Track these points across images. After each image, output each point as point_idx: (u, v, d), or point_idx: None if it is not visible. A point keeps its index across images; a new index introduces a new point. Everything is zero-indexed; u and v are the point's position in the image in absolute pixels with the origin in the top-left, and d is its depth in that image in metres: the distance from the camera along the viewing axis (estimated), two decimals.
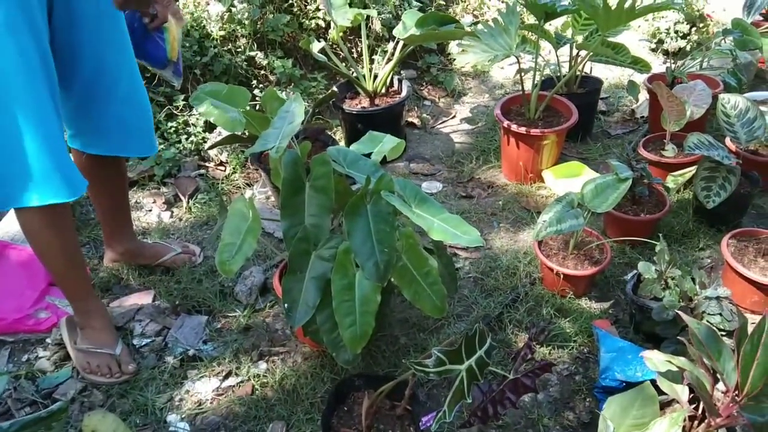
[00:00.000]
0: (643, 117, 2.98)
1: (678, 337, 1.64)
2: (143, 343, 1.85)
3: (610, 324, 1.81)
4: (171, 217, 2.42)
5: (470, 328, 1.82)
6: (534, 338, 1.78)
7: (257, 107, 2.55)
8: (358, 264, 1.43)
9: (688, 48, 3.40)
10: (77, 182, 1.52)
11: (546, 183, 2.48)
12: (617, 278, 2.00)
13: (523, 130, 2.35)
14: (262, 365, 1.78)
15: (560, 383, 1.70)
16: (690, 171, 2.16)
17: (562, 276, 1.86)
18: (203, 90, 1.73)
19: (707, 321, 1.61)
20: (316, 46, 2.52)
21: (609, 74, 3.30)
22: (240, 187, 2.55)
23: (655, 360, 1.41)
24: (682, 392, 1.35)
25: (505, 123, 2.38)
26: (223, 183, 2.57)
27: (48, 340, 1.85)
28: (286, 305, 1.44)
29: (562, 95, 2.57)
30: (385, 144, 1.72)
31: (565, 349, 1.78)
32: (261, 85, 2.81)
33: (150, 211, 2.44)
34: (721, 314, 1.62)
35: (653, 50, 3.52)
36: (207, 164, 2.66)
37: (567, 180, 2.45)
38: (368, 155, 1.68)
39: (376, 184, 1.48)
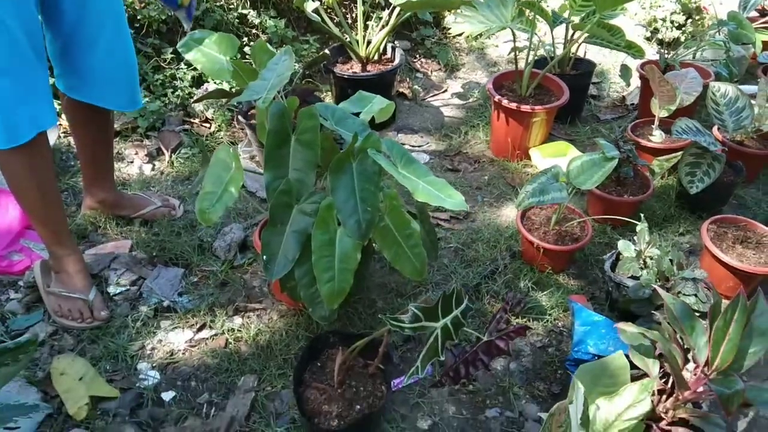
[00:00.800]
0: (633, 104, 2.99)
1: (653, 313, 1.66)
2: (117, 292, 1.83)
3: (586, 300, 1.82)
4: (152, 170, 2.38)
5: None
6: (510, 309, 1.80)
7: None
8: (340, 221, 1.42)
9: (682, 39, 3.40)
10: (17, 131, 1.46)
11: (532, 161, 2.48)
12: (596, 257, 2.02)
13: (513, 105, 2.34)
14: (237, 320, 1.77)
15: (533, 354, 1.71)
16: (676, 156, 2.17)
17: (542, 251, 1.87)
18: (192, 37, 1.70)
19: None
20: (310, 5, 2.48)
21: (602, 59, 3.29)
22: (224, 143, 2.51)
23: (629, 332, 1.42)
24: (653, 366, 1.36)
25: (497, 97, 2.37)
26: (207, 140, 2.54)
27: (20, 283, 1.83)
28: (264, 257, 1.42)
29: (555, 75, 2.56)
30: (375, 104, 1.70)
31: (540, 321, 1.79)
32: (252, 44, 2.76)
33: (131, 162, 2.40)
34: (696, 295, 1.63)
35: (648, 39, 3.51)
36: (192, 120, 2.62)
37: (553, 159, 2.45)
38: (357, 114, 1.66)
39: (362, 142, 1.46)
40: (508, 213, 2.22)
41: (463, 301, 1.26)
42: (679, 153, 2.17)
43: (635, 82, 3.03)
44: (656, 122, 2.37)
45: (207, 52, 1.65)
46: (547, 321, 1.79)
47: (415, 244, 1.50)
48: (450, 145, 2.62)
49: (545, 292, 1.86)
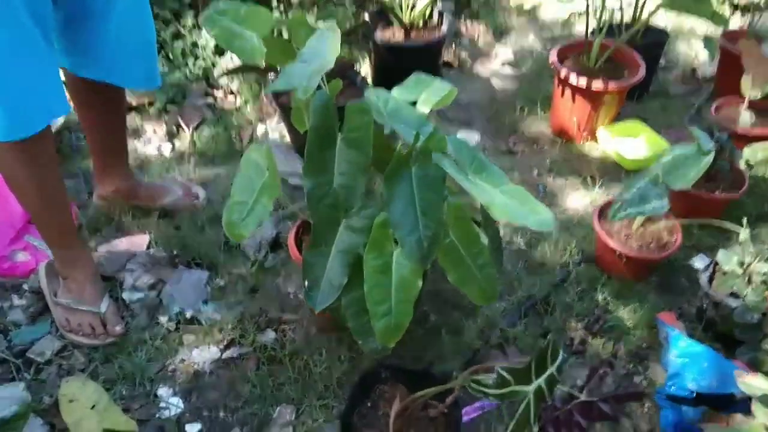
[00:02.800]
0: (704, 77, 2.65)
1: (761, 347, 1.40)
2: (134, 298, 1.61)
3: (675, 318, 1.56)
4: (172, 150, 2.13)
5: (516, 310, 1.58)
6: (588, 327, 1.55)
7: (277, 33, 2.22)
8: (397, 240, 1.17)
9: (762, 3, 3.01)
10: (27, 120, 1.23)
11: (600, 142, 2.18)
12: (681, 263, 1.74)
13: (583, 82, 2.03)
14: (270, 334, 1.54)
15: (616, 384, 1.47)
16: None
17: (624, 259, 1.60)
18: (216, 9, 1.41)
19: None
20: None
21: (668, 24, 2.93)
22: (251, 122, 2.26)
23: (755, 385, 1.16)
24: None
25: (563, 73, 2.06)
26: (232, 115, 2.27)
27: (25, 287, 1.61)
28: (306, 283, 1.18)
29: (626, 45, 2.23)
30: (434, 90, 1.42)
31: (622, 342, 1.54)
32: (281, 6, 2.47)
33: (149, 141, 2.16)
34: None
35: (720, 2, 3.13)
36: (216, 92, 2.36)
37: (624, 140, 2.16)
38: (413, 104, 1.38)
39: (425, 141, 1.19)
40: (576, 206, 1.95)
41: (558, 354, 1.01)
42: None
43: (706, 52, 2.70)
44: (745, 104, 2.05)
45: (235, 29, 1.37)
46: (631, 342, 1.54)
47: (485, 263, 1.24)
48: (503, 122, 2.32)
49: (627, 308, 1.60)
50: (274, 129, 2.23)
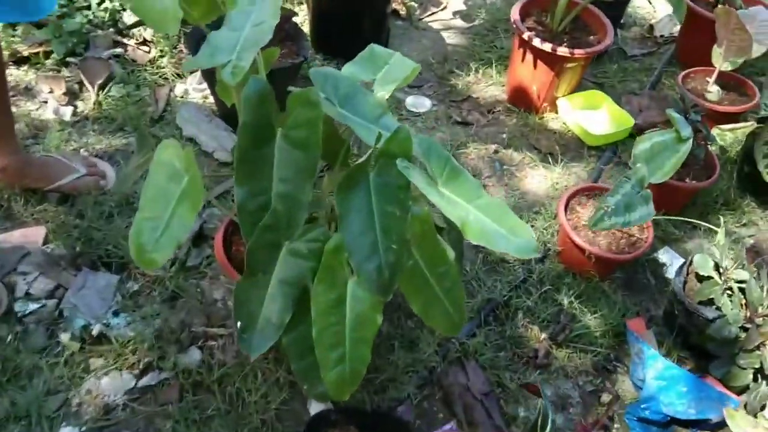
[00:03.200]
0: (663, 36, 2.50)
1: (735, 362, 1.30)
2: (28, 310, 1.34)
3: (645, 326, 1.44)
4: (74, 114, 1.80)
5: (475, 317, 1.42)
6: (553, 337, 1.41)
7: None
8: (353, 267, 0.96)
9: None
10: None
11: (560, 113, 2.01)
12: (646, 256, 1.62)
13: (547, 47, 1.82)
14: (195, 354, 1.32)
15: (582, 401, 1.35)
16: (745, 127, 1.74)
17: (593, 258, 1.46)
18: None
19: None
20: None
21: None
22: (169, 79, 1.93)
23: (740, 422, 1.05)
24: None
25: (526, 34, 1.85)
26: (146, 70, 1.94)
27: None
28: (239, 323, 0.96)
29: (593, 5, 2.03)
30: (394, 67, 1.18)
31: (588, 353, 1.41)
32: None
33: (45, 103, 1.81)
34: None
35: None
36: (126, 42, 2.00)
37: (585, 112, 1.99)
38: (369, 85, 1.15)
39: (386, 142, 0.96)
40: (537, 190, 1.78)
41: (548, 423, 0.84)
42: (748, 124, 1.74)
43: (665, 8, 2.54)
44: (715, 75, 1.91)
45: None
46: (598, 353, 1.41)
47: (452, 285, 1.06)
48: (456, 86, 2.10)
49: (594, 314, 1.47)
50: (197, 89, 1.92)
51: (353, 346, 0.95)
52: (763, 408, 1.22)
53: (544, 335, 1.42)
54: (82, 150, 1.68)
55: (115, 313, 1.36)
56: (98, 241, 1.47)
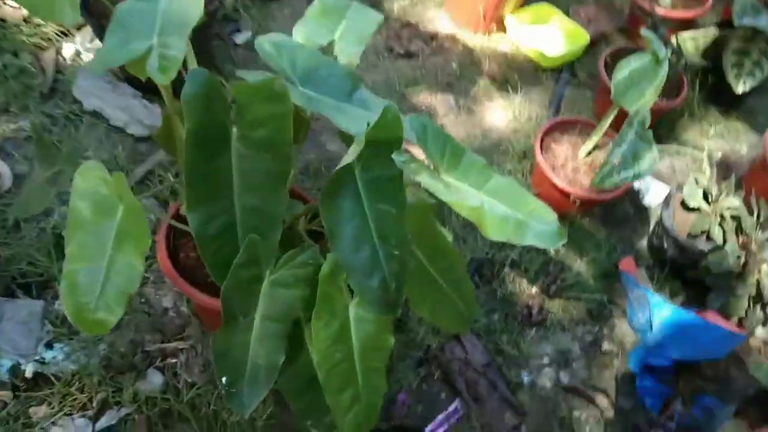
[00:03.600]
0: None
1: (733, 292, 1.26)
2: None
3: (635, 265, 1.37)
4: None
5: None
6: (545, 291, 1.32)
7: None
8: (353, 287, 0.79)
9: None
10: None
11: (507, 32, 1.83)
12: None
13: None
14: (156, 378, 1.13)
15: (584, 354, 1.28)
16: (707, 36, 1.63)
17: (578, 202, 1.35)
18: None
19: None
20: None
21: None
22: (53, 40, 1.59)
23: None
24: None
25: None
26: (21, 32, 1.59)
27: None
28: (223, 379, 0.77)
29: None
30: (353, 22, 0.97)
31: (581, 301, 1.33)
32: None
33: None
34: None
35: None
36: None
37: (535, 28, 1.83)
38: (328, 49, 0.93)
39: (372, 130, 0.77)
40: (498, 125, 1.63)
41: None
42: (711, 29, 1.64)
43: None
44: None
45: None
46: (592, 300, 1.34)
47: (459, 277, 0.92)
48: (390, 12, 1.87)
49: (582, 259, 1.38)
50: (89, 49, 1.60)
51: (366, 380, 0.80)
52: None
53: (535, 289, 1.32)
54: None
55: (49, 345, 1.14)
56: (7, 259, 1.21)
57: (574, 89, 1.74)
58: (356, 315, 0.80)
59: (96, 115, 1.47)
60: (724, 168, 1.60)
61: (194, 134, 0.72)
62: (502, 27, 1.84)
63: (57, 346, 1.14)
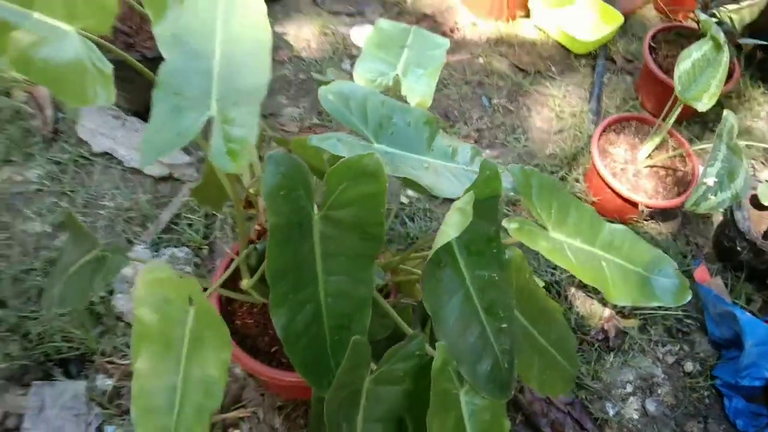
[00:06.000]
0: None
1: None
2: None
3: (709, 274, 1.28)
4: None
5: None
6: (619, 311, 1.23)
7: None
8: (464, 375, 0.69)
9: None
10: None
11: (532, 17, 1.71)
12: None
13: None
14: None
15: (669, 378, 1.20)
16: (753, 5, 1.52)
17: (645, 210, 1.25)
18: None
19: None
20: None
21: None
22: None
23: None
24: None
25: None
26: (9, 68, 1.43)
27: None
28: None
29: None
30: (416, 50, 0.85)
31: (658, 319, 1.25)
32: None
33: None
34: None
35: None
36: None
37: (560, 10, 1.71)
38: (395, 95, 0.81)
39: (473, 192, 0.66)
40: (540, 125, 1.52)
41: None
42: (755, 1, 1.52)
43: None
44: None
45: (18, 14, 0.65)
46: (668, 315, 1.25)
47: (561, 334, 0.83)
48: (404, 5, 1.74)
49: None
50: None
51: None
52: None
53: (607, 311, 1.24)
54: None
55: (99, 430, 1.04)
56: (38, 336, 1.10)
57: (612, 76, 1.63)
58: (468, 403, 0.70)
59: (108, 156, 1.34)
60: None
61: (281, 230, 0.61)
62: (525, 12, 1.71)
63: (109, 428, 1.04)
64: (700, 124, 1.54)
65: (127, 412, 1.06)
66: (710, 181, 0.97)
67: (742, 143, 1.23)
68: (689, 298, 0.72)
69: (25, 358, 1.08)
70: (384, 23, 0.86)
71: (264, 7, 0.67)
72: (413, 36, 0.86)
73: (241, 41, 0.66)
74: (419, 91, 0.80)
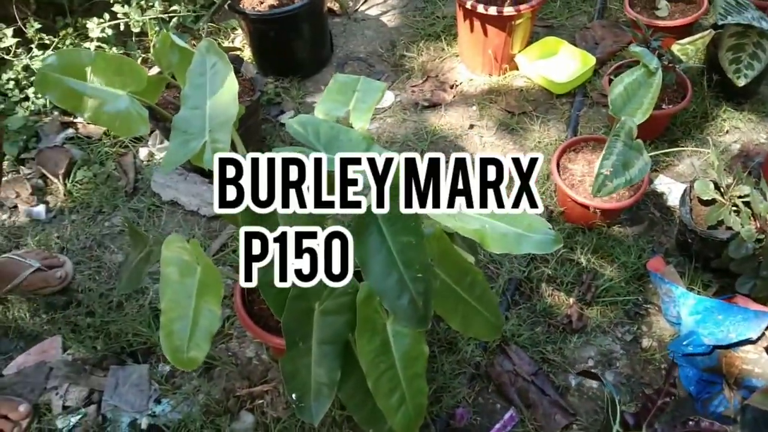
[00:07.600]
0: None
1: (758, 275, 1.33)
2: (72, 424, 1.33)
3: (664, 262, 1.47)
4: (48, 210, 1.75)
5: (503, 300, 1.43)
6: (581, 299, 1.43)
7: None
8: (387, 308, 0.96)
9: None
10: None
11: (520, 70, 2.00)
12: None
13: (493, 11, 1.80)
14: (247, 418, 1.32)
15: (626, 353, 1.38)
16: (703, 37, 1.74)
17: (598, 212, 1.47)
18: (50, 66, 1.05)
19: None
20: None
21: None
22: (128, 146, 1.89)
23: None
24: None
25: (469, 3, 1.82)
26: (103, 144, 1.89)
27: None
28: (294, 396, 0.96)
29: None
30: (363, 93, 1.16)
31: (618, 304, 1.44)
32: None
33: (14, 208, 1.76)
34: None
35: None
36: (74, 121, 1.95)
37: (543, 61, 1.99)
38: (341, 120, 1.13)
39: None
40: (523, 151, 1.78)
41: (617, 412, 0.86)
42: (706, 33, 1.74)
43: None
44: None
45: (88, 89, 1.03)
46: (627, 302, 1.44)
47: (482, 291, 1.06)
48: (412, 69, 2.08)
49: (613, 265, 1.49)
50: (160, 149, 1.88)
51: (409, 384, 0.96)
52: None
53: (572, 299, 1.44)
54: (68, 244, 1.65)
55: (157, 401, 1.36)
56: (116, 334, 1.45)
57: (588, 109, 1.87)
58: (393, 330, 0.96)
59: (173, 203, 1.73)
60: (743, 158, 1.68)
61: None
62: (514, 66, 2.00)
63: (164, 401, 1.36)
64: (668, 141, 1.74)
65: (179, 388, 1.37)
66: (605, 170, 1.20)
67: (704, 148, 1.43)
68: (558, 247, 0.95)
69: (106, 350, 1.43)
70: (340, 77, 1.20)
71: (235, 84, 1.01)
72: (361, 83, 1.18)
73: (220, 98, 1.01)
74: (361, 120, 1.12)
